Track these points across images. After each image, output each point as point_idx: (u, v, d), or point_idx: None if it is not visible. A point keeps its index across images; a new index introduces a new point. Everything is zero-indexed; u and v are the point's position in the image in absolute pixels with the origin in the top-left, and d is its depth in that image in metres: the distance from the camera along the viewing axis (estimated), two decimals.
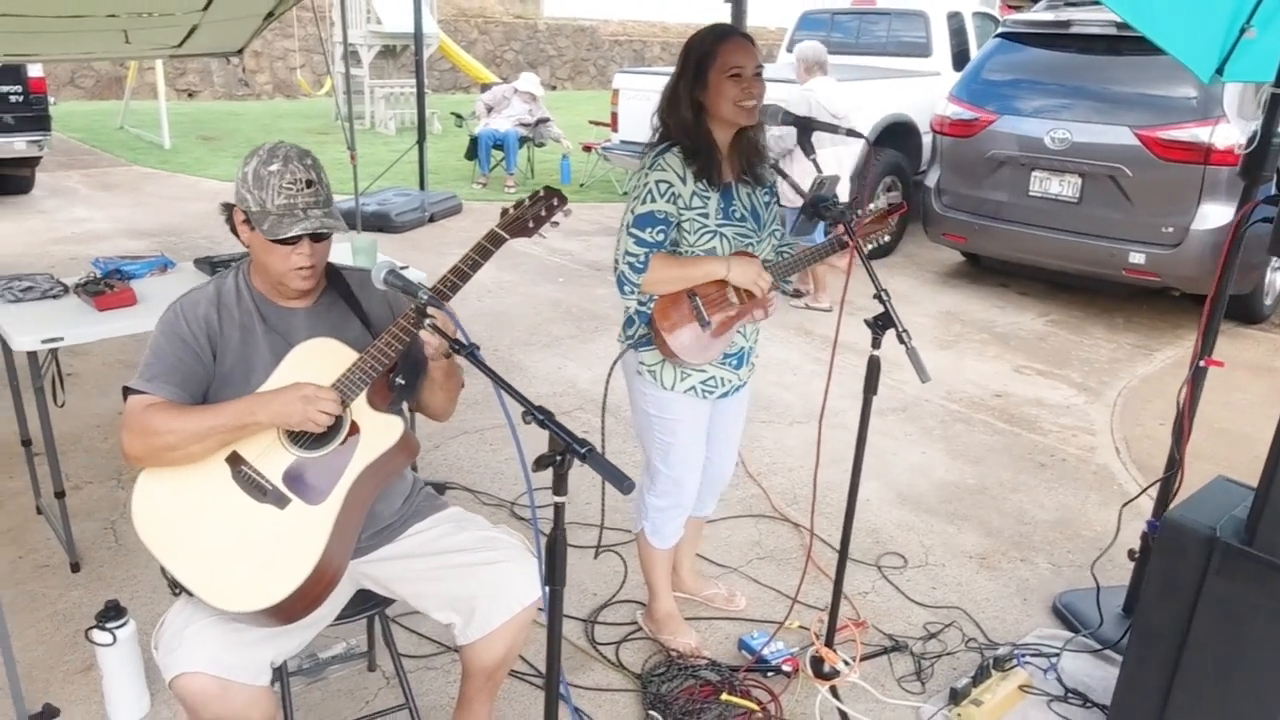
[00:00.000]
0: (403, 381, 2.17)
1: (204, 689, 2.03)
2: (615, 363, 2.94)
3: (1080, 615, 3.44)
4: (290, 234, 2.13)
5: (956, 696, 2.95)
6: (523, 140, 11.66)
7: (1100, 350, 6.49)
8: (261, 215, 2.16)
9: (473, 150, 11.74)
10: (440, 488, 4.17)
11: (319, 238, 2.22)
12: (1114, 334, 6.83)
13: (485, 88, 13.07)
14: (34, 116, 9.10)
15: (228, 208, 2.28)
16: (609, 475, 1.57)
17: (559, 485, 1.70)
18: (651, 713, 2.88)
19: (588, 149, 11.52)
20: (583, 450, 1.62)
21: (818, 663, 3.09)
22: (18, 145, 9.04)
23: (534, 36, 24.86)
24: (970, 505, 4.34)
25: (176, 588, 2.13)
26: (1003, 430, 5.16)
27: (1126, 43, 6.51)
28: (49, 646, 3.15)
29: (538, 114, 11.71)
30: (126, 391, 2.18)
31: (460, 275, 2.15)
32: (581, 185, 11.72)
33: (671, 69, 2.81)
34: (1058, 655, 3.21)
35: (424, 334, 2.11)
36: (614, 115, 9.20)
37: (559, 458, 1.65)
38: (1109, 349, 6.52)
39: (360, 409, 2.19)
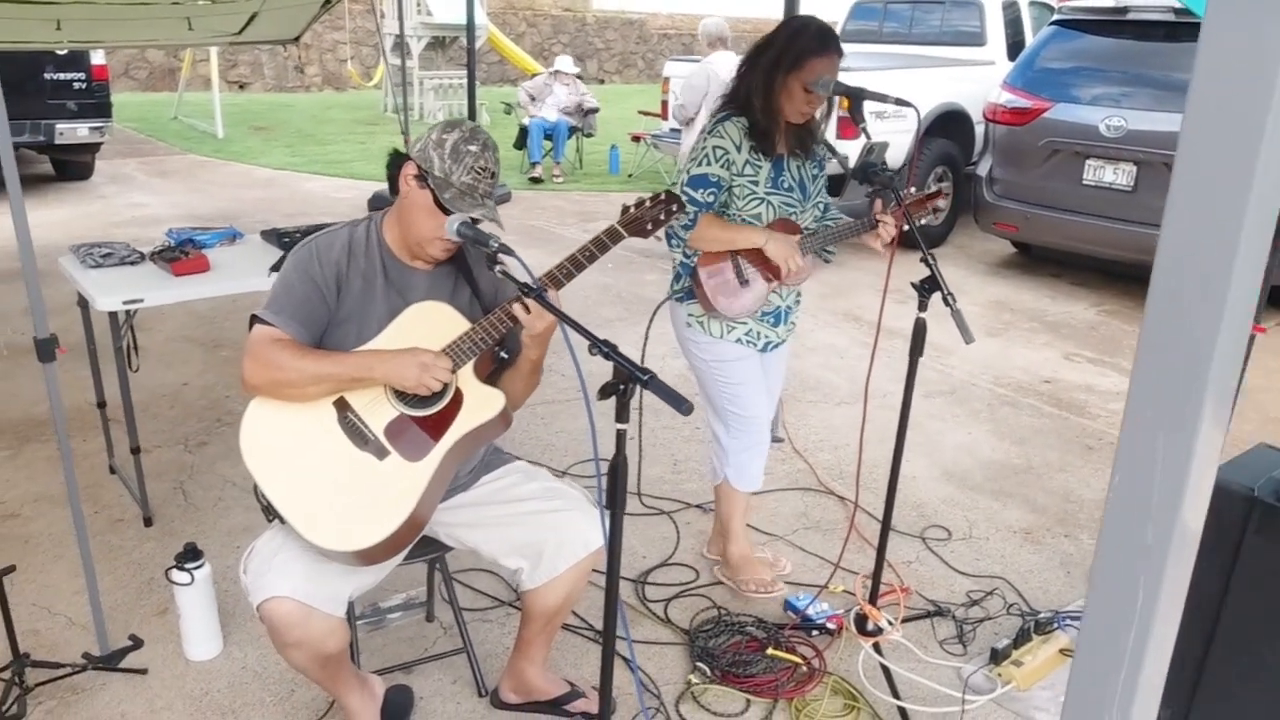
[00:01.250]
0: (505, 356, 2.35)
1: (290, 613, 2.22)
2: (657, 309, 3.20)
3: None
4: (471, 214, 2.31)
5: (997, 657, 3.07)
6: (572, 130, 11.86)
7: None
8: (444, 184, 2.32)
9: (521, 140, 11.96)
10: None
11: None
12: None
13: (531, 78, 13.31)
14: (96, 104, 9.42)
15: (401, 157, 2.42)
16: (669, 398, 1.73)
17: (622, 412, 1.86)
18: (699, 664, 3.04)
19: (636, 139, 11.70)
20: (645, 377, 1.78)
21: (862, 620, 3.23)
22: (81, 132, 9.36)
23: (582, 29, 25.11)
24: (1016, 483, 4.45)
25: (270, 514, 2.31)
26: (1050, 414, 5.26)
27: (1184, 29, 6.57)
28: (127, 591, 3.37)
29: (579, 97, 11.89)
30: (253, 320, 2.34)
31: (576, 265, 2.31)
32: (630, 175, 11.90)
33: (705, 70, 3.05)
34: None
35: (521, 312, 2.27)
36: (664, 104, 9.37)
37: (622, 386, 1.81)
38: None
39: (465, 377, 2.37)
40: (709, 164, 2.93)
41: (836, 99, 2.91)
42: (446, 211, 2.31)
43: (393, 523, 2.26)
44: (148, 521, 3.78)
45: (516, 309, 2.27)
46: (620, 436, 1.89)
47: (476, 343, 2.33)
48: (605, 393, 1.82)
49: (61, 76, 9.13)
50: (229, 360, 5.47)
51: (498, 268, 2.16)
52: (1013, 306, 7.19)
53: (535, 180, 11.57)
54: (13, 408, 4.79)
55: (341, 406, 2.32)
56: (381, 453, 2.31)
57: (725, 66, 6.97)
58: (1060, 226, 7.23)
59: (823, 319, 6.59)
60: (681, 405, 1.72)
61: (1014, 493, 4.36)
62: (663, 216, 2.37)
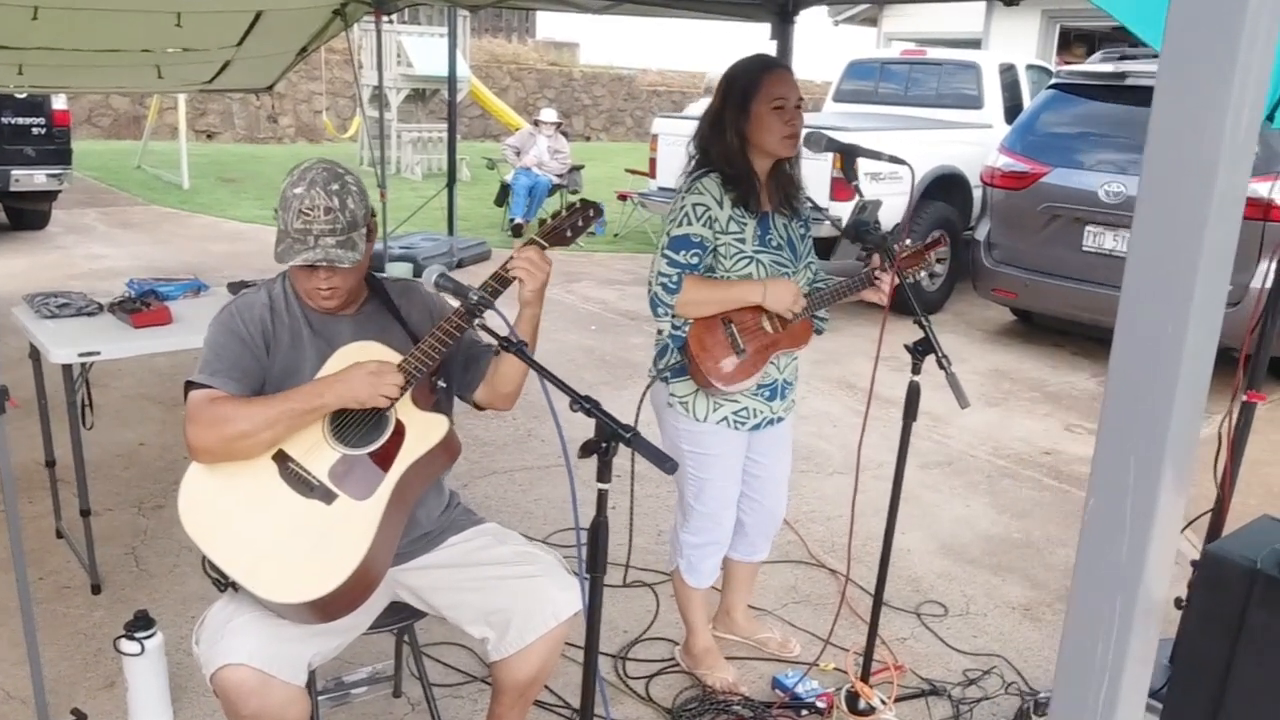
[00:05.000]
0: (444, 384, 2.36)
1: (245, 681, 2.19)
2: (645, 393, 3.12)
3: None
4: (293, 262, 2.31)
5: None
6: (555, 187, 12.00)
7: None
8: (281, 235, 2.35)
9: (502, 196, 12.08)
10: None
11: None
12: None
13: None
14: (56, 150, 9.49)
15: None
16: (653, 457, 1.75)
17: (604, 472, 1.88)
18: None
19: (623, 198, 11.83)
20: (627, 434, 1.80)
21: (853, 699, 3.22)
22: (38, 179, 9.41)
23: (569, 84, 25.49)
24: (1015, 558, 4.46)
25: (222, 583, 2.30)
26: (1051, 486, 5.29)
27: None
28: (72, 663, 3.33)
29: (557, 148, 12.08)
30: (189, 387, 2.37)
31: (501, 281, 2.34)
32: (616, 235, 12.02)
33: (690, 113, 3.07)
34: None
35: (519, 267, 2.31)
36: (652, 161, 9.47)
37: (604, 444, 1.83)
38: None
39: (405, 407, 2.38)
40: (690, 223, 2.91)
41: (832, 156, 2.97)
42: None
43: (348, 566, 2.24)
44: (96, 589, 3.74)
45: (517, 262, 2.31)
46: (602, 497, 1.90)
47: (411, 372, 2.33)
48: (587, 450, 1.84)
49: (19, 121, 9.20)
50: None
51: (477, 322, 2.18)
52: (1012, 376, 7.26)
53: (517, 230, 11.71)
54: None
55: (281, 459, 2.33)
56: (328, 496, 2.31)
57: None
58: (1060, 293, 7.32)
59: (815, 386, 6.63)
60: (665, 463, 1.74)
61: (1014, 567, 4.37)
62: (580, 223, 2.43)
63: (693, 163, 3.04)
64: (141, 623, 2.97)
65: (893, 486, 3.05)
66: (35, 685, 2.94)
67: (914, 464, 3.19)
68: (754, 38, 8.29)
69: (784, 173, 3.05)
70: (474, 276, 9.46)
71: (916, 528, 4.68)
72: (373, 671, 3.28)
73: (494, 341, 2.22)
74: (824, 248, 7.50)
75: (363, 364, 2.31)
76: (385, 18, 7.29)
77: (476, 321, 2.20)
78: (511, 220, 11.82)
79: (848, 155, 2.87)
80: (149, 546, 4.11)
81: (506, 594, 2.50)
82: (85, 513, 3.72)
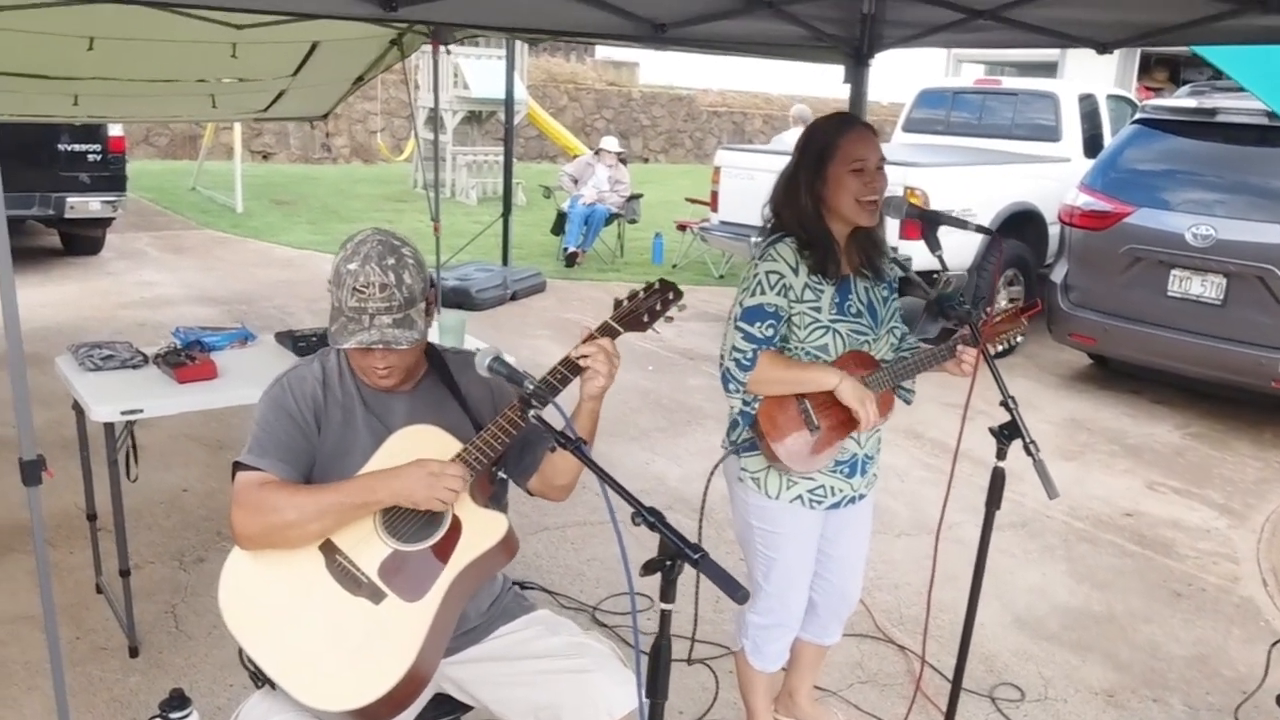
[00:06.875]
0: (504, 476, 2.26)
1: None
2: (715, 468, 3.00)
3: None
4: (346, 345, 2.23)
5: None
6: (613, 216, 11.95)
7: (1246, 469, 6.36)
8: (335, 313, 2.27)
9: (559, 225, 12.06)
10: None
11: None
12: (1261, 450, 6.70)
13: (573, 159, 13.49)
14: (110, 177, 9.58)
15: None
16: (723, 583, 1.64)
17: (667, 591, 1.77)
18: None
19: (682, 228, 11.74)
20: (695, 555, 1.69)
21: None
22: (93, 205, 9.50)
23: (627, 105, 25.50)
24: (1096, 634, 4.28)
25: (259, 679, 2.22)
26: (1134, 553, 5.09)
27: (1278, 134, 6.51)
28: None
29: (618, 179, 12.05)
30: (236, 467, 2.30)
31: (572, 369, 2.23)
32: (674, 266, 11.93)
33: (775, 147, 2.94)
34: None
35: (595, 361, 2.20)
36: (714, 194, 9.35)
37: (669, 562, 1.72)
38: (1255, 468, 6.39)
39: (461, 501, 2.28)
40: (764, 292, 2.79)
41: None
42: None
43: (395, 674, 2.17)
44: (133, 651, 3.69)
45: (595, 357, 2.20)
46: (665, 618, 1.79)
47: (491, 444, 2.24)
48: (650, 569, 1.73)
49: (76, 147, 9.31)
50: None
51: (531, 413, 2.08)
52: (1089, 426, 7.04)
53: (571, 259, 11.70)
54: None
55: (329, 550, 2.25)
56: (377, 595, 2.22)
57: None
58: (1143, 340, 7.10)
59: (880, 435, 6.47)
60: (737, 592, 1.62)
61: (1094, 645, 4.19)
62: (658, 307, 2.30)
63: (768, 225, 2.92)
64: (177, 702, 2.88)
65: (974, 573, 2.90)
66: None
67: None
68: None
69: (865, 233, 2.91)
70: (529, 310, 9.46)
71: (989, 597, 4.50)
72: None
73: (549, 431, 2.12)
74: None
75: (425, 462, 2.21)
76: (443, 46, 7.27)
77: (531, 414, 2.10)
78: (566, 249, 11.78)
79: (930, 223, 2.75)
80: (188, 604, 4.06)
81: (557, 689, 2.40)
82: (125, 573, 3.68)
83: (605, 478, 1.90)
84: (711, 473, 2.98)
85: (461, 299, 9.14)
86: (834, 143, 2.77)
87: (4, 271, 2.47)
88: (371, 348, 2.25)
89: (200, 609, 4.02)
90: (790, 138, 7.92)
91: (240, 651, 2.23)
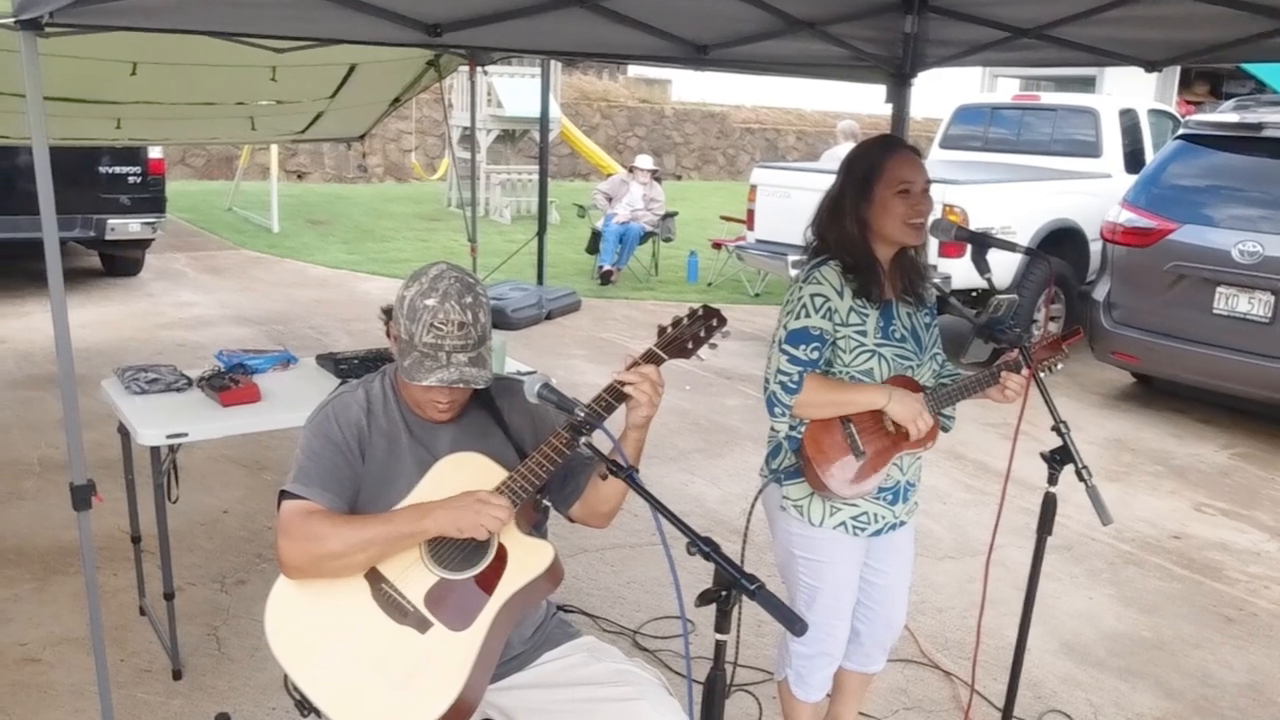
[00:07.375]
0: (549, 503, 2.26)
1: None
2: (757, 497, 2.98)
3: None
4: (426, 381, 2.24)
5: None
6: (647, 235, 11.97)
7: None
8: (408, 347, 2.28)
9: (594, 244, 12.09)
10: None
11: None
12: None
13: (606, 178, 13.53)
14: (151, 199, 9.69)
15: (387, 314, 2.41)
16: (780, 615, 1.63)
17: (721, 623, 1.76)
18: None
19: (717, 246, 11.74)
20: (752, 587, 1.68)
21: None
22: (133, 227, 9.60)
23: (660, 122, 25.54)
24: (1145, 661, 4.22)
25: (304, 708, 2.23)
26: (1182, 577, 5.02)
27: None
28: None
29: (653, 197, 12.07)
30: (282, 496, 2.31)
31: (616, 396, 2.24)
32: (709, 284, 11.93)
33: (824, 164, 2.92)
34: None
35: (640, 390, 2.21)
36: (750, 212, 9.34)
37: (724, 592, 1.71)
38: None
39: (508, 531, 2.29)
40: (809, 315, 2.78)
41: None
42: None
43: (441, 704, 2.17)
44: (177, 674, 3.71)
45: (639, 386, 2.21)
46: (719, 649, 1.78)
47: (517, 492, 2.25)
48: (705, 600, 1.72)
49: (117, 170, 9.41)
50: (273, 485, 5.46)
51: (582, 440, 2.08)
52: (1133, 446, 6.97)
53: (606, 277, 11.73)
54: (41, 533, 4.80)
55: (374, 579, 2.26)
56: (423, 624, 2.23)
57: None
58: (1188, 359, 7.03)
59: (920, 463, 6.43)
60: (795, 624, 1.62)
61: (1143, 672, 4.14)
62: (703, 334, 2.32)
63: (811, 248, 2.92)
64: None
65: (1025, 600, 2.87)
66: None
67: (1029, 548, 3.01)
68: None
69: (908, 259, 2.90)
70: (565, 330, 9.48)
71: (1035, 622, 4.38)
72: None
73: (595, 457, 2.12)
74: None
75: (472, 492, 2.21)
76: (479, 67, 7.32)
77: (582, 441, 2.10)
78: (600, 267, 11.81)
79: (979, 245, 2.73)
80: (230, 626, 4.08)
81: (603, 717, 2.39)
82: (169, 596, 3.71)
83: (659, 507, 1.90)
84: (754, 502, 2.96)
85: (497, 319, 9.16)
86: (880, 165, 2.76)
87: (56, 299, 2.51)
88: (453, 386, 2.27)
89: (242, 631, 4.04)
90: (840, 152, 7.93)
91: (285, 678, 2.25)
